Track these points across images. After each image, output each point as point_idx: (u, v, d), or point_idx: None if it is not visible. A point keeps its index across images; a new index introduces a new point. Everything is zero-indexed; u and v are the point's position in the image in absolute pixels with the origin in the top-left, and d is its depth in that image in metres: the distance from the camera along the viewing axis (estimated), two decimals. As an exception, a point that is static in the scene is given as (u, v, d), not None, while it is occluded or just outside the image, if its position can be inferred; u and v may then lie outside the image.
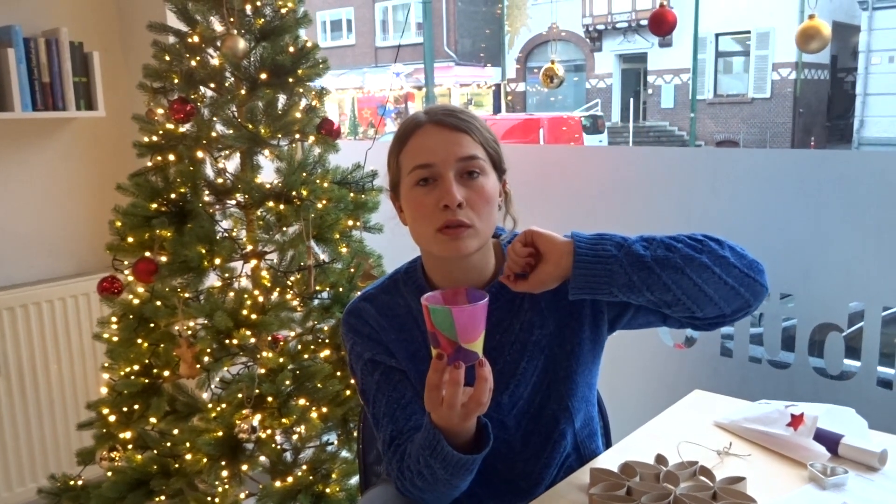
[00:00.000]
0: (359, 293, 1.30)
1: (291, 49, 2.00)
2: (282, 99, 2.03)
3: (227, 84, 1.99)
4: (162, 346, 1.97)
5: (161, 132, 1.95)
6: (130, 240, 1.91)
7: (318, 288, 2.01)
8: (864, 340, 1.78)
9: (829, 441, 1.24)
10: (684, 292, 1.09)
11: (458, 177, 1.13)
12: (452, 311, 0.95)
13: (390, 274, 1.31)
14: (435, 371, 1.00)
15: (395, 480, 1.18)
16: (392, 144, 1.21)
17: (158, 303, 1.94)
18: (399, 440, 1.18)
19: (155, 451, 2.01)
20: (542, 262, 1.11)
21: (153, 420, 1.98)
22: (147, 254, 1.89)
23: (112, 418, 1.98)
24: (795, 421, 1.27)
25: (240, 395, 1.88)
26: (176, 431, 1.98)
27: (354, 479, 2.02)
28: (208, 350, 1.89)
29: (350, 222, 2.11)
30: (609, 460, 1.24)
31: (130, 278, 1.92)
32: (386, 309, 1.25)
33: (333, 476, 2.00)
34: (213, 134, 1.96)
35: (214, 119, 1.97)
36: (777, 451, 1.27)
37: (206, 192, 1.97)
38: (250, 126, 1.94)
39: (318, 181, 2.00)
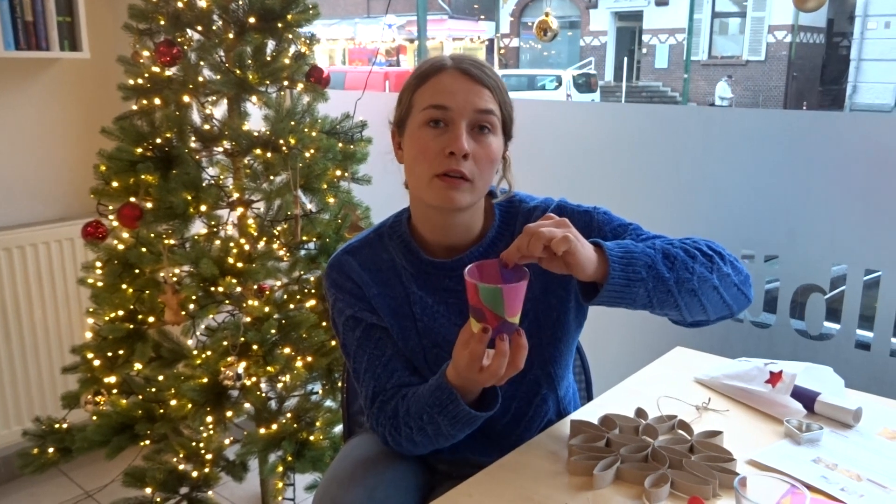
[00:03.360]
0: (343, 245, 1.28)
1: (281, -7, 1.96)
2: (270, 45, 2.00)
3: (214, 27, 1.94)
4: (147, 292, 1.96)
5: (146, 75, 1.91)
6: (115, 184, 1.89)
7: (304, 238, 2.00)
8: (846, 303, 1.80)
9: (806, 398, 1.26)
10: (688, 308, 1.11)
11: (470, 128, 1.12)
12: (503, 290, 0.97)
13: (375, 227, 1.29)
14: (479, 343, 1.01)
15: (383, 435, 1.19)
16: (409, 80, 1.18)
17: (143, 249, 1.93)
18: (383, 396, 1.19)
19: (140, 396, 2.02)
20: (558, 266, 1.03)
21: (138, 366, 1.98)
22: (132, 199, 1.87)
23: (97, 363, 1.98)
24: (774, 378, 1.29)
25: (225, 343, 1.89)
26: (161, 377, 1.99)
27: (338, 428, 2.04)
28: (193, 297, 1.88)
29: (338, 172, 2.09)
30: (589, 413, 1.26)
31: (115, 223, 1.90)
32: (369, 263, 1.24)
33: (317, 424, 2.03)
34: (200, 79, 1.92)
35: (201, 63, 1.93)
36: (755, 407, 1.30)
37: (193, 138, 1.94)
38: (238, 71, 1.90)
39: (306, 130, 1.97)
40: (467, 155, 1.10)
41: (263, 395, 2.00)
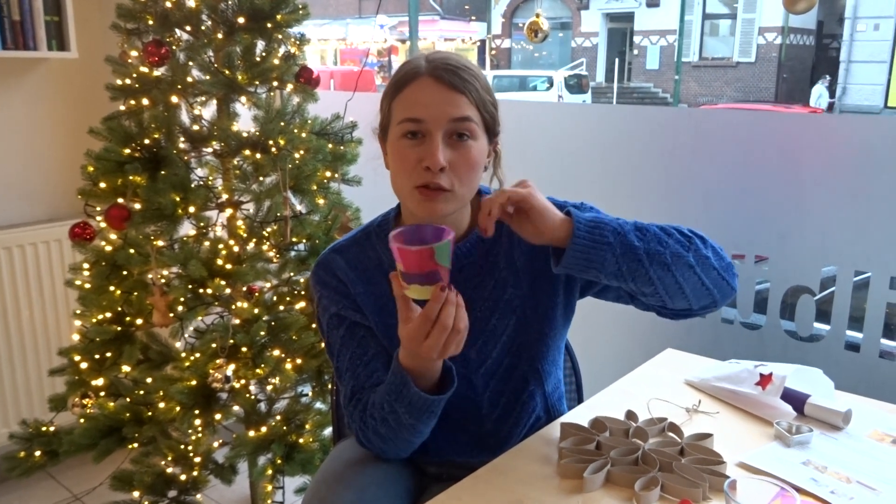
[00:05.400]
0: (331, 245, 1.28)
1: (270, -7, 1.95)
2: (260, 45, 1.98)
3: (203, 27, 1.93)
4: (135, 293, 1.95)
5: (135, 75, 1.90)
6: (103, 185, 1.87)
7: (294, 239, 1.99)
8: (835, 304, 1.80)
9: (796, 400, 1.26)
10: (665, 287, 1.10)
11: (447, 137, 1.10)
12: (451, 241, 0.99)
13: (363, 226, 1.29)
14: (436, 301, 1.00)
15: (357, 433, 1.19)
16: (388, 87, 1.16)
17: (131, 250, 1.91)
18: (360, 395, 1.19)
19: (127, 399, 2.00)
20: (528, 227, 1.08)
21: (126, 368, 1.97)
22: (120, 200, 1.86)
23: (84, 365, 1.97)
24: (764, 380, 1.29)
25: (214, 345, 1.87)
26: (149, 380, 1.97)
27: (328, 431, 2.03)
28: (182, 299, 1.87)
29: (328, 174, 2.08)
30: (580, 416, 1.26)
31: (103, 224, 1.88)
32: (356, 261, 1.24)
33: (307, 427, 2.02)
34: (189, 79, 1.91)
35: (190, 63, 1.92)
36: (745, 409, 1.29)
37: (182, 138, 1.93)
38: (227, 72, 1.89)
39: (296, 131, 1.96)
40: (444, 167, 1.09)
41: (252, 397, 1.99)
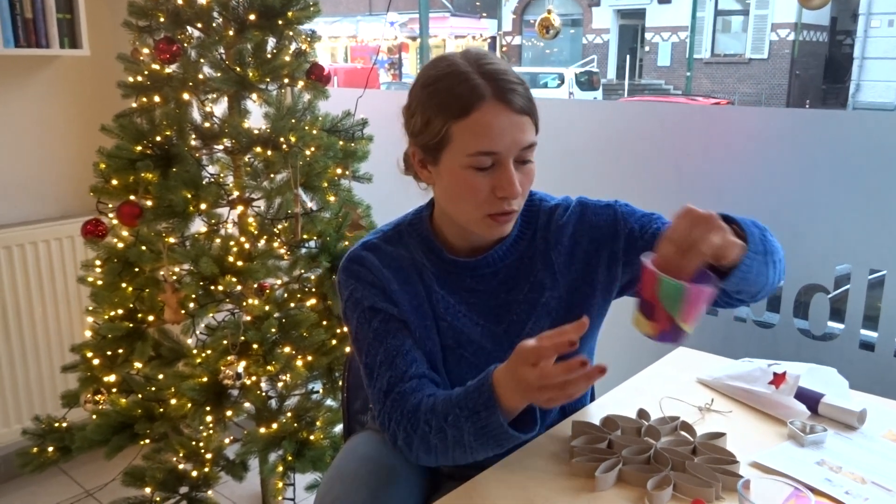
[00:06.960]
0: (360, 241, 1.24)
1: (281, -10, 1.95)
2: (271, 42, 1.98)
3: (214, 25, 1.93)
4: (147, 290, 1.95)
5: (146, 73, 1.90)
6: (115, 182, 1.88)
7: (305, 236, 1.99)
8: (850, 303, 1.78)
9: (810, 399, 1.25)
10: (757, 283, 1.08)
11: (515, 162, 1.09)
12: (687, 290, 0.91)
13: (394, 224, 1.26)
14: (566, 369, 0.94)
15: (394, 433, 1.12)
16: (440, 104, 1.08)
17: (143, 247, 1.92)
18: (399, 386, 1.12)
19: (139, 396, 2.01)
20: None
21: (138, 364, 1.97)
22: (132, 197, 1.86)
23: (96, 362, 1.98)
24: (777, 379, 1.27)
25: (225, 342, 1.88)
26: (161, 376, 1.98)
27: (338, 428, 2.03)
28: (193, 296, 1.87)
29: (339, 171, 2.08)
30: (592, 414, 1.25)
31: (115, 222, 1.89)
32: (389, 260, 1.20)
33: (318, 424, 2.02)
34: (200, 76, 1.91)
35: (201, 61, 1.92)
36: (758, 408, 1.28)
37: (193, 135, 1.93)
38: (238, 69, 1.89)
39: (307, 128, 1.96)
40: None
41: (263, 394, 1.99)
